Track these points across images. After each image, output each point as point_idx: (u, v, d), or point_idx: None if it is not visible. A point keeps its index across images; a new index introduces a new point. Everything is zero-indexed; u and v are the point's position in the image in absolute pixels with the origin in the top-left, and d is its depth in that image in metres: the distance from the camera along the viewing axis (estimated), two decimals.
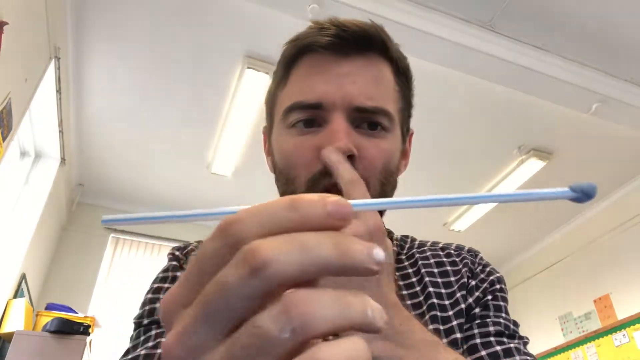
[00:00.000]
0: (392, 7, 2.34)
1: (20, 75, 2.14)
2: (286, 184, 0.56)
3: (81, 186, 4.08)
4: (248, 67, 2.75)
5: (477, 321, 0.57)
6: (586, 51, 2.63)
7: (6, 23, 1.73)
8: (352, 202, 0.21)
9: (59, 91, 2.70)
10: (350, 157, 0.52)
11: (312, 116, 0.55)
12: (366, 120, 0.55)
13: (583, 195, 0.24)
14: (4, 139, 2.07)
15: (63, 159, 3.28)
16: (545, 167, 3.49)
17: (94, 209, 4.20)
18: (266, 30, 2.59)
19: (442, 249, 0.66)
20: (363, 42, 0.57)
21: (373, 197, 0.53)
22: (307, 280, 0.20)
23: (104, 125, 3.38)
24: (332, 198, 0.21)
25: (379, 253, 0.21)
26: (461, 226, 4.38)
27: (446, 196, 0.25)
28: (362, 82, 0.55)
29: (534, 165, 3.47)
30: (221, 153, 3.53)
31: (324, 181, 0.52)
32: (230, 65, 2.81)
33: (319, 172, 0.53)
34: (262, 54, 2.72)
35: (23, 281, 3.08)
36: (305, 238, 0.20)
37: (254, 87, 2.87)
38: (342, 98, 0.54)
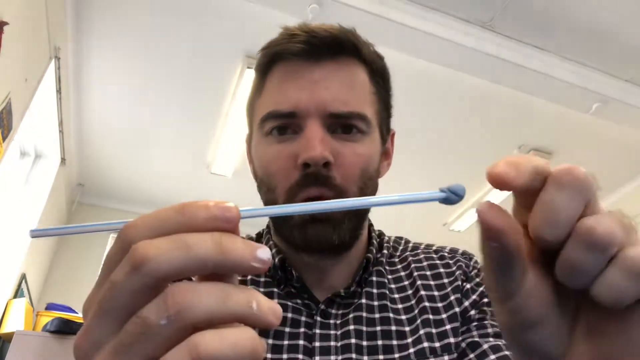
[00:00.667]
0: (392, 7, 2.34)
1: (20, 75, 2.14)
2: (267, 193, 0.57)
3: (81, 186, 4.09)
4: (248, 67, 2.75)
5: (475, 323, 0.57)
6: (586, 51, 2.63)
7: (6, 23, 1.73)
8: (241, 209, 0.23)
9: (59, 91, 2.70)
10: (326, 165, 0.52)
11: (287, 124, 0.56)
12: (341, 125, 0.55)
13: (452, 195, 0.25)
14: (4, 139, 2.07)
15: (63, 159, 3.28)
16: None
17: (94, 209, 4.20)
18: (266, 30, 2.56)
19: (436, 251, 0.66)
20: (333, 46, 0.57)
21: None
22: (186, 275, 0.22)
23: (104, 125, 3.38)
24: (221, 204, 0.22)
25: (264, 252, 0.22)
26: (461, 226, 4.38)
27: (319, 203, 0.26)
28: (336, 87, 0.55)
29: None
30: (221, 153, 3.54)
31: (302, 192, 0.53)
32: (230, 65, 2.81)
33: (296, 182, 0.54)
34: None
35: (23, 281, 3.08)
36: (186, 237, 0.21)
37: None
38: (316, 105, 0.54)
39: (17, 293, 2.98)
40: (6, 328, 2.69)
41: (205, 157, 3.65)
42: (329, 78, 0.56)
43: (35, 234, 0.24)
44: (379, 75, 0.61)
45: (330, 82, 0.56)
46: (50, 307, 3.03)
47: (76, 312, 3.08)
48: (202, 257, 0.21)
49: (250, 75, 2.78)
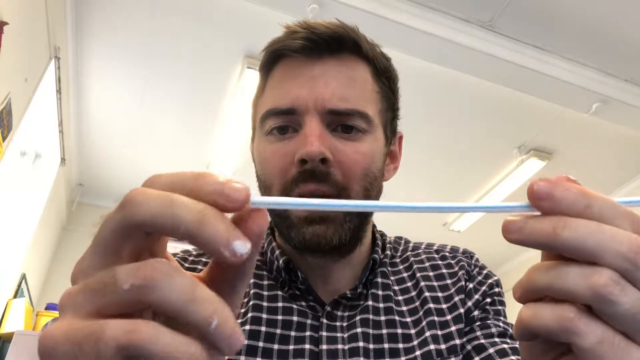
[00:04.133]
0: (392, 7, 2.34)
1: (20, 75, 2.14)
2: (264, 192, 0.56)
3: (81, 186, 4.09)
4: (248, 67, 2.75)
5: (478, 323, 0.57)
6: (586, 51, 2.63)
7: (6, 23, 1.73)
8: (253, 197, 0.23)
9: (59, 91, 2.70)
10: (324, 161, 0.51)
11: (286, 122, 0.55)
12: (341, 123, 0.54)
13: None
14: (4, 139, 2.07)
15: (63, 159, 3.28)
16: (545, 167, 3.49)
17: (94, 209, 4.20)
18: (266, 30, 2.57)
19: (437, 251, 0.65)
20: (334, 43, 0.56)
21: None
22: (168, 231, 0.21)
23: (104, 125, 3.38)
24: (233, 183, 0.22)
25: (240, 245, 0.21)
26: (461, 226, 4.38)
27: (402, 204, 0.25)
28: (335, 83, 0.54)
29: (534, 165, 3.47)
30: (221, 153, 3.53)
31: (297, 188, 0.52)
32: (230, 65, 2.81)
33: (292, 178, 0.52)
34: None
35: (23, 281, 3.08)
36: (178, 197, 0.22)
37: (254, 87, 2.86)
38: (314, 101, 0.53)
39: (17, 293, 2.98)
40: (6, 328, 2.69)
41: (205, 157, 3.65)
42: (329, 74, 0.55)
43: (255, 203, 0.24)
44: (383, 75, 0.60)
45: (329, 79, 0.54)
46: (50, 307, 3.03)
47: None
48: (178, 219, 0.21)
49: (251, 75, 2.79)
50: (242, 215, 0.24)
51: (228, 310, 0.22)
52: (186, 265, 0.62)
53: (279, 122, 0.55)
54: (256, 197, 0.23)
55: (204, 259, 0.62)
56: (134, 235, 0.23)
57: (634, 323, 0.22)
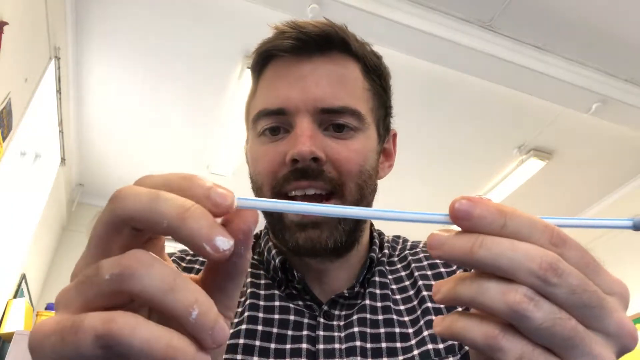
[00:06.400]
0: (392, 7, 2.33)
1: (20, 75, 2.14)
2: (256, 193, 0.56)
3: (81, 186, 4.08)
4: (248, 67, 2.75)
5: None
6: (586, 51, 2.63)
7: (6, 23, 1.73)
8: (240, 198, 0.23)
9: (59, 91, 2.70)
10: (316, 161, 0.51)
11: (278, 123, 0.55)
12: (332, 121, 0.54)
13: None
14: (4, 139, 2.07)
15: (63, 159, 3.28)
16: (545, 167, 3.49)
17: (94, 209, 4.20)
18: (266, 31, 2.57)
19: None
20: (323, 42, 0.56)
21: (350, 202, 0.53)
22: (152, 226, 0.22)
23: (104, 125, 3.38)
24: (220, 189, 0.23)
25: (222, 242, 0.21)
26: None
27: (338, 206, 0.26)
28: (326, 82, 0.54)
29: (534, 165, 3.47)
30: (221, 153, 3.53)
31: (289, 186, 0.52)
32: (230, 65, 2.81)
33: (282, 177, 0.53)
34: None
35: (23, 281, 3.08)
36: (164, 194, 0.22)
37: None
38: (305, 101, 0.53)
39: (17, 293, 2.97)
40: (6, 328, 2.69)
41: (205, 157, 3.65)
42: (319, 73, 0.55)
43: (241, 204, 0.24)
44: (374, 73, 0.60)
45: (319, 78, 0.54)
46: (50, 307, 3.03)
47: None
48: (161, 213, 0.21)
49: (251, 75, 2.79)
50: (229, 217, 0.24)
51: (210, 302, 0.21)
52: (183, 264, 0.61)
53: (270, 123, 0.55)
54: (243, 198, 0.24)
55: (201, 259, 0.62)
56: (121, 230, 0.23)
57: (550, 336, 0.22)
